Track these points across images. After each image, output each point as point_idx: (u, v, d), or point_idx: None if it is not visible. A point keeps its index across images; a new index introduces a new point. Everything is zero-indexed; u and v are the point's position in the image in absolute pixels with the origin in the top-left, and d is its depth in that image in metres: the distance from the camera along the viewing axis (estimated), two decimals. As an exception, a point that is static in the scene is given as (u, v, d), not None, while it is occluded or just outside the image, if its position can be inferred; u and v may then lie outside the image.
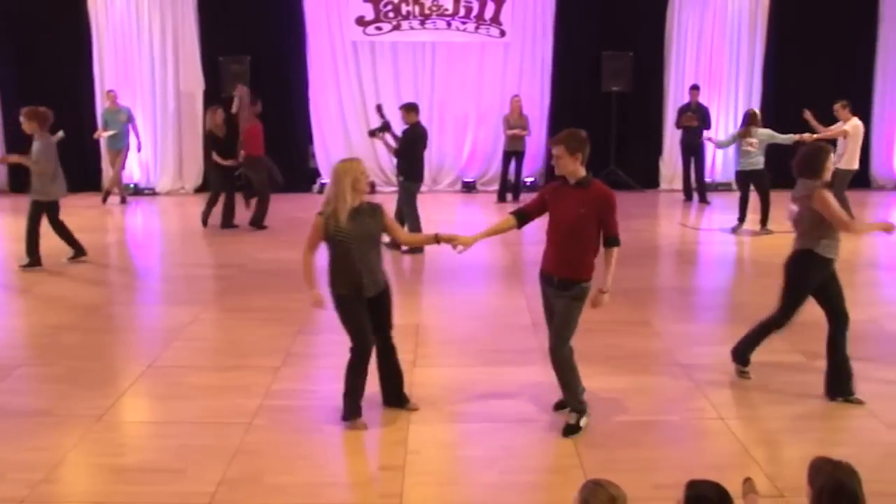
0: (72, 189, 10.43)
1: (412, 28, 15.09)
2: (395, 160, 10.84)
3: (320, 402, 5.51)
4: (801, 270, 5.54)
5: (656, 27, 15.14)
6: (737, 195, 11.82)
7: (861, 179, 13.66)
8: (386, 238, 5.42)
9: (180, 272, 9.64)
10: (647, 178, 15.36)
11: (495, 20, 15.09)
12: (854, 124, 11.26)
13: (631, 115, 15.15)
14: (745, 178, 11.36)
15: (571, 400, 5.15)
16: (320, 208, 5.13)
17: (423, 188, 11.01)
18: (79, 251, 9.69)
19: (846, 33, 14.77)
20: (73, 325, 7.38)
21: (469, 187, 15.44)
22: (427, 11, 15.01)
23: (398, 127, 10.46)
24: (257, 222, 11.75)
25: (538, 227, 5.39)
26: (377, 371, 5.38)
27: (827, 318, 5.59)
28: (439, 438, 5.11)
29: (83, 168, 14.62)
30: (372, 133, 10.61)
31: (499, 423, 5.24)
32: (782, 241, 10.61)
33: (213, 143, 11.65)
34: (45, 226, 9.42)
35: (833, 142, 11.11)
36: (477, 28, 15.12)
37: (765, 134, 11.11)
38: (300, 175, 14.90)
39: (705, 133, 13.76)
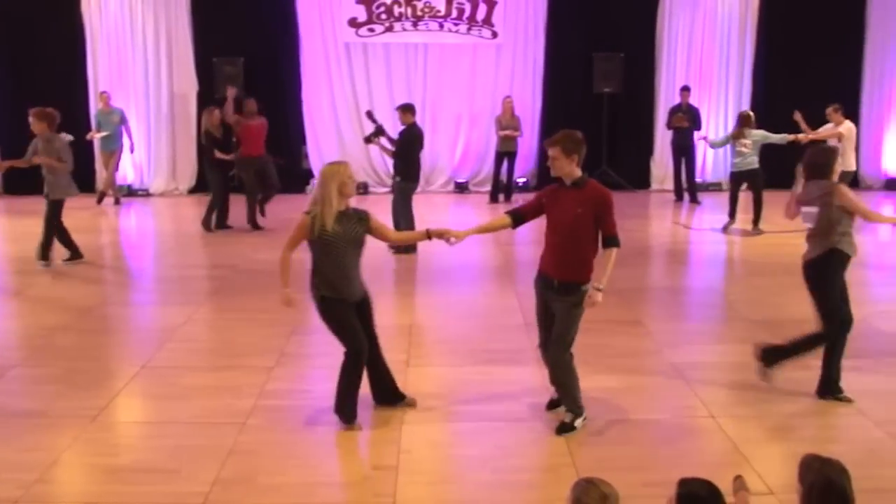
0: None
1: (405, 29, 15.12)
2: (391, 161, 10.84)
3: (314, 402, 5.53)
4: (828, 271, 5.47)
5: (647, 29, 15.22)
6: (727, 195, 11.88)
7: (850, 180, 13.73)
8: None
9: (174, 273, 9.66)
10: (639, 179, 15.44)
11: (487, 22, 15.13)
12: (848, 127, 11.35)
13: (622, 115, 15.23)
14: (739, 178, 11.44)
15: (569, 403, 5.16)
16: (307, 208, 5.12)
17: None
18: (75, 254, 9.70)
19: (834, 35, 14.89)
20: (68, 326, 7.39)
21: (461, 188, 15.48)
22: (419, 13, 15.05)
23: (393, 128, 10.47)
24: (251, 221, 11.77)
25: (531, 228, 5.42)
26: (367, 374, 5.38)
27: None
28: (432, 438, 5.13)
29: (77, 169, 14.46)
30: (367, 139, 10.60)
31: (491, 423, 5.27)
32: (774, 240, 10.76)
33: (212, 142, 11.67)
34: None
35: (825, 143, 11.23)
36: (469, 29, 15.17)
37: (758, 135, 11.18)
38: (293, 176, 14.92)
39: (700, 132, 13.86)
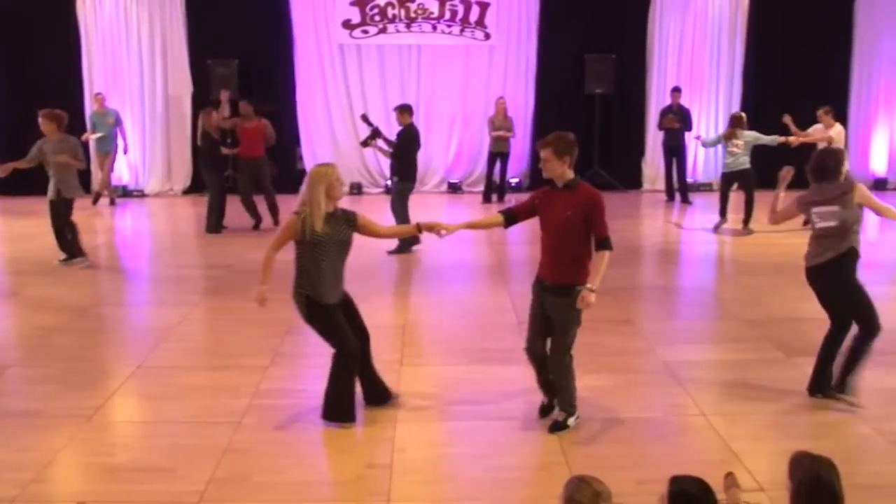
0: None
1: (398, 31, 15.17)
2: (387, 162, 10.88)
3: (309, 401, 5.54)
4: (848, 271, 5.42)
5: (638, 31, 15.29)
6: (717, 195, 11.96)
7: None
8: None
9: (169, 273, 9.68)
10: (630, 179, 15.51)
11: (480, 23, 15.18)
12: (838, 130, 11.44)
13: (614, 116, 15.30)
14: (730, 179, 11.51)
15: (564, 403, 5.17)
16: (296, 208, 5.13)
17: (408, 189, 11.07)
18: (71, 255, 9.71)
19: (823, 37, 15.01)
20: (64, 326, 7.41)
21: (455, 188, 15.52)
22: (413, 15, 15.09)
23: (387, 129, 10.50)
24: (253, 216, 11.82)
25: (524, 228, 5.45)
26: (358, 373, 5.37)
27: (831, 319, 5.58)
28: (426, 436, 5.16)
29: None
30: (364, 143, 10.63)
31: (485, 421, 5.30)
32: (764, 240, 10.83)
33: (211, 143, 11.69)
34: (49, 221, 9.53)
35: (815, 146, 11.33)
36: (462, 31, 15.21)
37: (750, 136, 11.26)
38: (287, 177, 14.91)
39: (693, 132, 13.94)
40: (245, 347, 6.75)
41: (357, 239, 5.27)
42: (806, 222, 6.16)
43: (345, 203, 5.32)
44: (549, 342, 5.14)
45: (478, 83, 15.38)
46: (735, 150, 11.24)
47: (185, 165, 15.24)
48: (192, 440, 5.05)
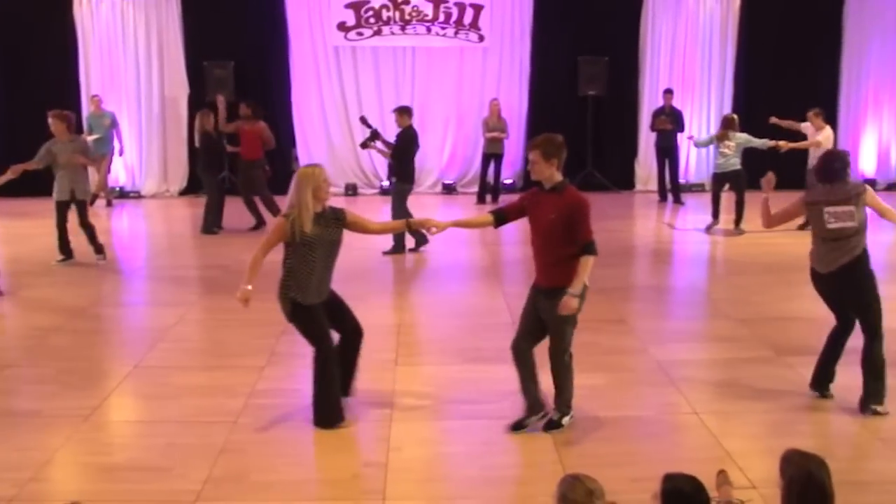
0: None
1: (393, 33, 15.20)
2: (384, 163, 10.91)
3: (304, 400, 5.54)
4: (870, 272, 5.35)
5: (631, 33, 15.36)
6: (710, 195, 12.03)
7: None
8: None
9: (166, 273, 9.70)
10: (623, 180, 15.57)
11: (474, 26, 15.23)
12: (826, 135, 11.52)
13: (607, 118, 15.35)
14: (721, 179, 11.58)
15: (561, 402, 5.19)
16: (284, 211, 5.14)
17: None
18: (67, 256, 9.77)
19: (813, 40, 15.11)
20: (61, 327, 7.43)
21: (449, 189, 15.57)
22: (407, 17, 15.13)
23: (384, 130, 10.54)
24: (258, 218, 11.86)
25: (518, 228, 5.49)
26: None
27: (837, 320, 5.58)
28: (421, 435, 5.19)
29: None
30: (364, 144, 10.66)
31: (479, 420, 5.34)
32: (756, 240, 10.89)
33: (211, 143, 11.71)
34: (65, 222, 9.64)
35: (806, 149, 11.45)
36: (456, 33, 15.26)
37: (741, 138, 11.34)
38: (283, 178, 14.93)
39: (686, 132, 14.01)
40: (241, 347, 6.78)
41: (354, 240, 5.29)
42: (803, 225, 6.15)
43: (340, 204, 5.35)
44: (539, 344, 5.16)
45: (472, 85, 15.42)
46: (726, 151, 11.32)
47: (182, 167, 15.26)
48: (189, 439, 5.07)
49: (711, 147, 12.03)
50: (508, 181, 15.25)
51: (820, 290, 5.56)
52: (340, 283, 5.45)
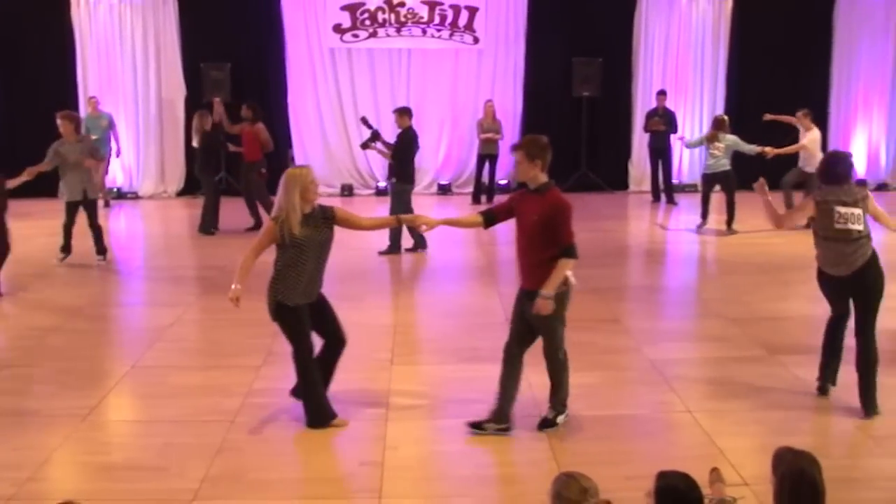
0: (58, 193, 10.58)
1: (388, 35, 15.23)
2: (385, 164, 10.94)
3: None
4: (882, 273, 5.35)
5: (625, 35, 15.42)
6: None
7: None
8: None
9: (163, 274, 9.72)
10: (617, 180, 15.62)
11: (469, 28, 15.27)
12: (812, 138, 11.61)
13: (601, 119, 15.41)
14: (710, 180, 11.65)
15: (556, 401, 5.22)
16: (273, 213, 5.14)
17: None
18: (68, 253, 9.81)
19: (804, 41, 15.19)
20: (59, 327, 7.46)
21: (444, 189, 15.61)
22: (403, 19, 15.17)
23: (384, 130, 10.58)
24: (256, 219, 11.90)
25: (512, 228, 5.52)
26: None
27: (834, 312, 5.58)
28: (417, 434, 5.23)
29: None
30: (364, 145, 10.70)
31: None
32: (746, 240, 10.96)
33: (209, 144, 11.72)
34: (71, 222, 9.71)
35: (795, 154, 11.54)
36: (451, 35, 15.30)
37: (731, 140, 11.41)
38: (279, 178, 14.95)
39: (678, 133, 14.08)
40: (238, 347, 6.80)
41: (350, 239, 5.31)
42: (808, 224, 6.13)
43: (336, 205, 5.38)
44: (531, 347, 5.18)
45: (467, 86, 15.46)
46: (716, 152, 11.39)
47: (179, 167, 15.28)
48: (187, 439, 5.10)
49: (702, 148, 12.11)
50: (503, 182, 15.29)
51: (829, 291, 5.52)
52: (336, 283, 5.48)
